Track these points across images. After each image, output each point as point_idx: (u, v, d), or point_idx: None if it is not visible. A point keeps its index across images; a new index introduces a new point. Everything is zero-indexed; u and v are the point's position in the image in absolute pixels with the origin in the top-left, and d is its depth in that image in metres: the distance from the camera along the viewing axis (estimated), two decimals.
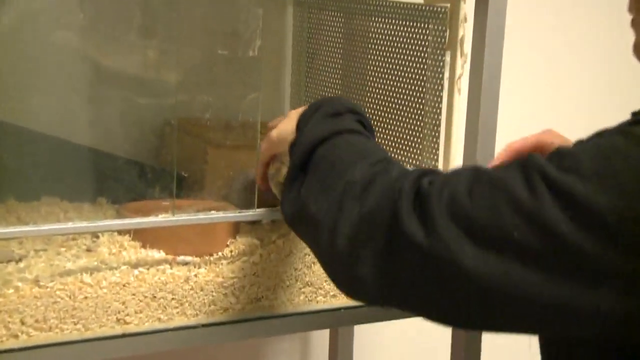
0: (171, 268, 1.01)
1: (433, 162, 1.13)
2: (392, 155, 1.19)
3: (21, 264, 0.96)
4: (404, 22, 1.15)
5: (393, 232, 0.72)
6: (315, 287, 1.09)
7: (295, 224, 0.87)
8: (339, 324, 1.32)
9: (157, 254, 1.02)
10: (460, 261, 0.68)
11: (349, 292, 0.78)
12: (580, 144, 0.71)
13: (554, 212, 0.65)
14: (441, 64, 1.09)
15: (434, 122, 1.11)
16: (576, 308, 0.66)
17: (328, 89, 1.33)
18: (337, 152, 0.83)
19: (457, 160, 1.12)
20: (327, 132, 0.86)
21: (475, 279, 0.67)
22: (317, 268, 1.08)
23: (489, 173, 0.72)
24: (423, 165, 1.15)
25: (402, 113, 1.16)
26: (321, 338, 1.68)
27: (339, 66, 1.30)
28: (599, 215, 0.64)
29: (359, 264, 0.74)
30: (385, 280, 0.73)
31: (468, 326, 0.76)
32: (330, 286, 1.10)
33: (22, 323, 0.92)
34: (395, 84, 1.17)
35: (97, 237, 1.03)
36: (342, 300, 1.11)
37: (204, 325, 1.02)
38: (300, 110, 0.94)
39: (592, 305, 0.65)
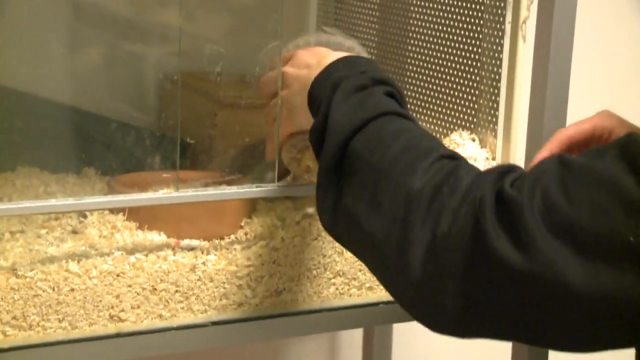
0: (174, 254, 1.01)
1: (491, 125, 1.12)
2: (439, 117, 1.18)
3: None
4: None
5: (479, 254, 0.71)
6: (348, 278, 1.09)
7: (343, 240, 0.87)
8: (375, 322, 1.32)
9: (157, 238, 1.02)
10: (568, 281, 0.67)
11: (433, 325, 0.78)
12: None
13: None
14: (502, 4, 1.08)
15: (492, 75, 1.11)
16: None
17: (361, 38, 1.32)
18: (379, 149, 0.82)
19: (520, 124, 1.11)
20: (359, 120, 0.84)
21: (587, 299, 0.67)
22: (351, 255, 1.08)
23: (581, 163, 0.70)
24: (479, 128, 1.14)
25: (454, 65, 1.16)
26: (354, 338, 1.68)
27: (376, 7, 1.29)
28: None
29: (441, 293, 0.73)
30: (474, 311, 0.73)
31: (580, 349, 0.75)
32: (366, 277, 1.10)
33: None
34: (444, 29, 1.16)
35: (85, 216, 1.03)
36: (380, 294, 1.10)
37: (213, 323, 1.02)
38: (322, 51, 0.92)
39: None
